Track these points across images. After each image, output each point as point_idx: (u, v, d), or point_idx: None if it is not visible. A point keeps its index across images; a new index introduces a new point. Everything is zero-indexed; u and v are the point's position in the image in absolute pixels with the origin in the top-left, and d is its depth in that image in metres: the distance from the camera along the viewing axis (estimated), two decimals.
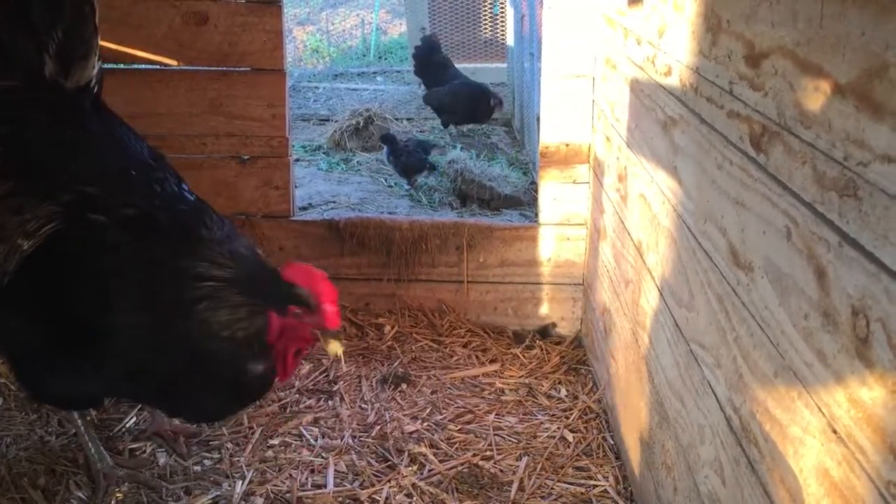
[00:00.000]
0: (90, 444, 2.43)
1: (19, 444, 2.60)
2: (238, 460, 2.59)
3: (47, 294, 2.07)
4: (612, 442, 2.73)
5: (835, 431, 1.18)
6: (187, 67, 3.25)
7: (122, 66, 3.25)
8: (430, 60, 6.35)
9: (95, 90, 2.32)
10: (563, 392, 3.04)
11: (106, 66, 3.20)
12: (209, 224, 2.14)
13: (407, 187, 4.88)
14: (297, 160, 5.38)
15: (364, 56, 9.08)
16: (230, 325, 2.00)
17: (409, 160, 4.92)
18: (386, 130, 5.77)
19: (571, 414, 2.89)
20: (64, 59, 2.21)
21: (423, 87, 6.46)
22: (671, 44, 2.01)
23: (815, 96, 1.24)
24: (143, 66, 3.24)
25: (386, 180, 5.05)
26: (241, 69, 3.24)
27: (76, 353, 2.07)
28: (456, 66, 6.46)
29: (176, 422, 2.69)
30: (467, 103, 5.72)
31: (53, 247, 2.05)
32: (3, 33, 2.14)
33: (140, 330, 2.01)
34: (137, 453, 2.62)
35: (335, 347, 2.04)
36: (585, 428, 2.81)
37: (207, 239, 2.08)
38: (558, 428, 2.80)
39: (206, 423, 2.67)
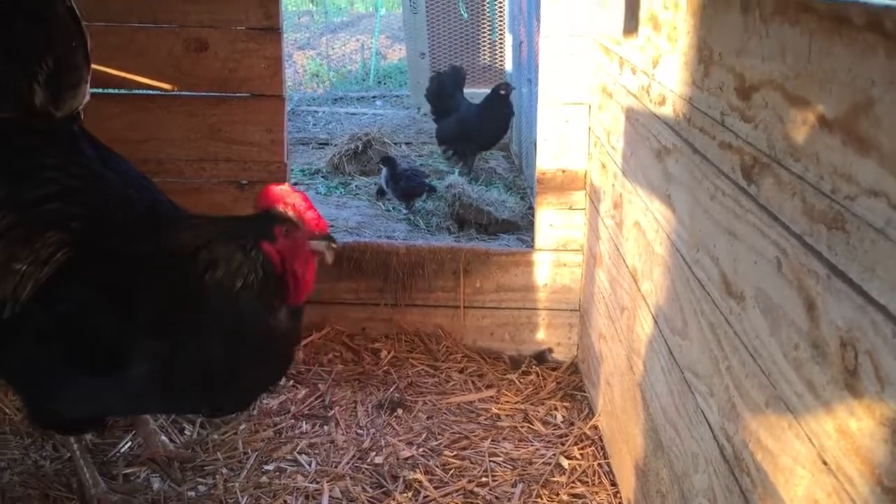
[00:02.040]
0: (85, 469, 2.43)
1: (13, 468, 2.60)
2: (232, 486, 2.58)
3: (64, 318, 2.07)
4: (607, 469, 2.73)
5: (824, 462, 1.19)
6: (187, 93, 3.28)
7: (123, 91, 3.27)
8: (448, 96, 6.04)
9: (81, 116, 2.34)
10: (559, 418, 3.04)
11: (107, 91, 3.26)
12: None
13: (405, 212, 4.90)
14: (296, 184, 5.41)
15: (363, 80, 9.14)
16: (238, 274, 2.02)
17: (409, 184, 4.94)
18: (384, 154, 5.80)
19: (567, 440, 2.88)
20: (54, 88, 2.23)
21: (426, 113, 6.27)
22: (665, 74, 2.04)
23: (804, 129, 1.26)
24: (144, 91, 3.26)
25: (384, 204, 5.07)
26: (241, 95, 3.27)
27: (98, 371, 2.08)
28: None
29: (171, 447, 2.69)
30: (481, 126, 5.61)
31: (68, 272, 2.07)
32: None
33: (166, 330, 2.03)
34: (132, 478, 2.61)
35: (330, 252, 2.09)
36: (581, 454, 2.81)
37: (183, 217, 2.17)
38: (554, 454, 2.80)
39: (246, 406, 2.65)
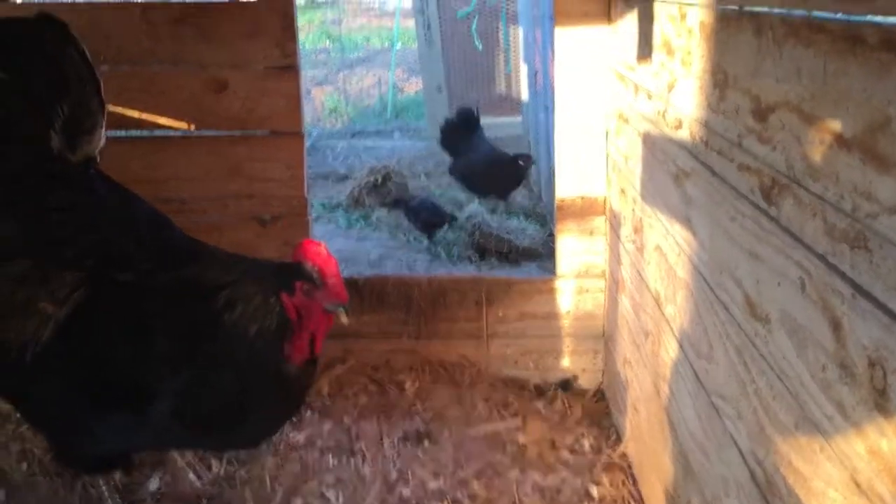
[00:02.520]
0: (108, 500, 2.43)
1: None
2: None
3: (86, 355, 2.10)
4: (637, 495, 2.70)
5: (857, 484, 1.17)
6: (208, 132, 3.33)
7: (144, 132, 3.33)
8: (465, 135, 5.94)
9: (97, 159, 2.38)
10: (587, 446, 3.01)
11: (129, 134, 3.31)
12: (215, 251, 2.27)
13: (426, 243, 4.91)
14: (317, 218, 5.45)
15: (381, 114, 9.22)
16: (255, 317, 2.08)
17: (430, 215, 4.96)
18: (404, 186, 5.83)
19: (595, 468, 2.86)
20: (70, 133, 2.27)
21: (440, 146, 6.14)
22: (680, 98, 2.05)
23: (822, 149, 1.26)
24: (165, 132, 3.32)
25: (405, 235, 5.09)
26: (261, 132, 3.31)
27: (121, 406, 2.11)
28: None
29: (198, 484, 2.69)
30: (495, 171, 5.50)
31: (85, 309, 2.10)
32: (9, 112, 2.20)
33: (183, 363, 2.07)
34: None
35: (344, 317, 2.15)
36: (610, 482, 2.78)
37: (208, 254, 2.21)
38: (582, 482, 2.77)
39: (256, 445, 2.67)
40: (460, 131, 5.92)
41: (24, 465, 2.83)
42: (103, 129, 2.36)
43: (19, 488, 2.72)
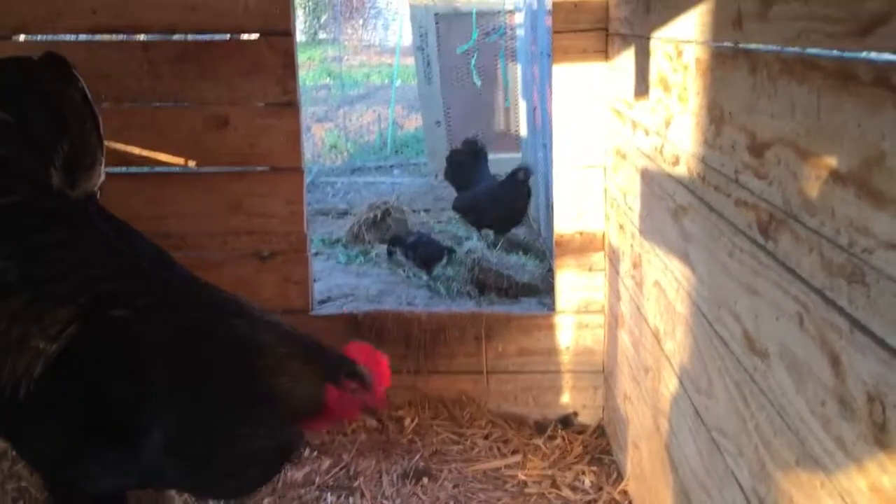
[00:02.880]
0: None
1: None
2: None
3: (76, 391, 2.09)
4: None
5: None
6: (208, 169, 3.34)
7: (145, 169, 3.35)
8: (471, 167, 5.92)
9: (97, 194, 2.39)
10: (588, 483, 2.99)
11: (129, 171, 3.33)
12: (242, 303, 2.26)
13: (425, 278, 4.91)
14: (317, 254, 5.45)
15: (381, 150, 9.29)
16: (293, 393, 2.10)
17: (428, 250, 4.97)
18: (403, 222, 5.85)
19: None
20: (70, 170, 2.28)
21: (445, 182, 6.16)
22: (677, 134, 2.06)
23: (818, 184, 1.26)
24: (166, 168, 3.33)
25: (404, 271, 5.10)
26: (261, 169, 3.33)
27: (112, 443, 2.09)
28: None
29: None
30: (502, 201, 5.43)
31: (76, 346, 2.09)
32: (8, 150, 2.21)
33: (177, 399, 2.06)
34: None
35: (371, 420, 2.14)
36: None
37: (253, 315, 2.20)
38: None
39: (246, 495, 2.68)
40: (466, 162, 5.94)
41: None
42: (102, 166, 2.37)
43: None
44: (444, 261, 4.98)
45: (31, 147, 2.24)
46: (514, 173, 5.41)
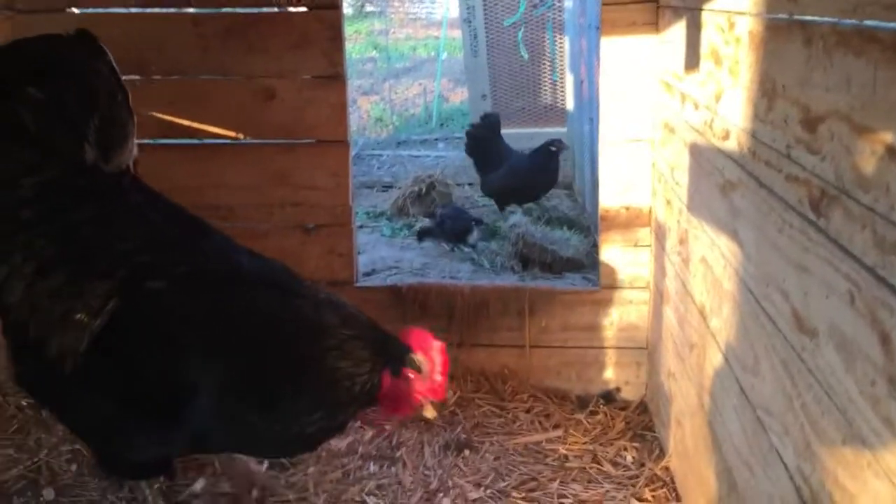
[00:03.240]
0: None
1: None
2: None
3: (119, 364, 2.14)
4: None
5: None
6: (255, 141, 3.38)
7: (194, 140, 3.39)
8: (489, 143, 5.88)
9: (131, 168, 2.41)
10: (629, 459, 2.98)
11: (178, 141, 3.38)
12: (296, 278, 2.30)
13: (467, 250, 4.92)
14: (361, 227, 5.48)
15: (426, 123, 9.26)
16: (353, 377, 2.13)
17: (455, 225, 4.99)
18: (448, 195, 5.84)
19: (638, 482, 2.83)
20: (103, 145, 2.30)
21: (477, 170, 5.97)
22: (728, 108, 2.02)
23: (872, 160, 1.24)
24: (213, 140, 3.37)
25: (448, 245, 5.10)
26: (307, 141, 3.35)
27: (157, 412, 2.14)
28: (517, 131, 6.34)
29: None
30: (531, 178, 5.46)
31: (118, 319, 2.13)
32: (42, 126, 2.23)
33: (222, 355, 2.11)
34: None
35: (431, 412, 2.21)
36: (653, 496, 2.75)
37: (316, 294, 2.23)
38: (625, 496, 2.75)
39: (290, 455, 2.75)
40: (488, 139, 5.89)
41: (74, 466, 2.89)
42: (134, 139, 2.39)
43: (69, 488, 2.78)
44: (474, 232, 5.01)
45: (64, 123, 2.27)
46: (545, 146, 5.42)
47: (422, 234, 5.11)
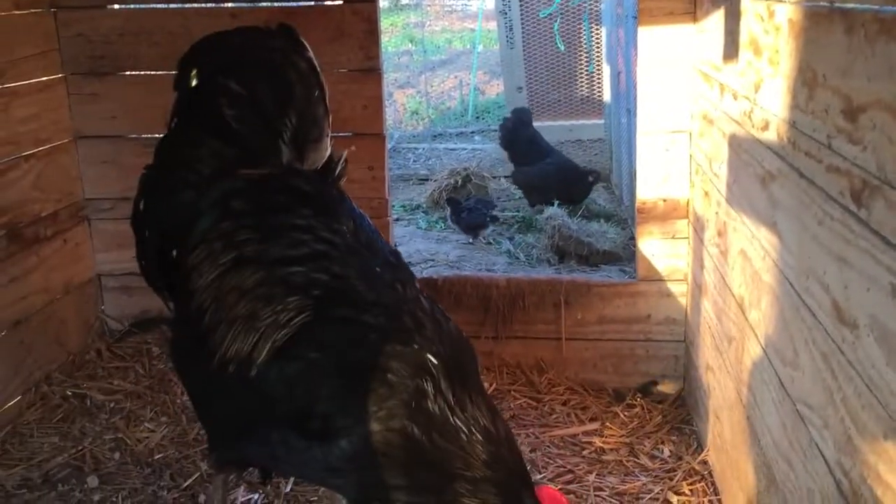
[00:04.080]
0: (220, 492, 2.38)
1: (134, 497, 2.72)
2: None
3: (291, 380, 1.97)
4: None
5: None
6: None
7: None
8: (518, 136, 5.97)
9: (341, 177, 2.30)
10: (667, 452, 2.97)
11: None
12: (475, 374, 2.03)
13: (479, 241, 4.97)
14: (397, 219, 5.51)
15: (462, 116, 9.25)
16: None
17: (470, 217, 5.02)
18: (484, 188, 5.85)
19: (675, 475, 2.81)
20: (298, 143, 2.21)
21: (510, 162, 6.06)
22: (768, 98, 2.00)
23: None
24: None
25: (484, 238, 5.11)
26: (343, 134, 3.37)
27: (310, 436, 1.97)
28: (553, 124, 6.34)
29: None
30: (561, 184, 5.48)
31: (298, 336, 1.98)
32: (240, 125, 2.18)
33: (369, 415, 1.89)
34: None
35: None
36: (691, 490, 2.73)
37: (483, 410, 1.92)
38: (662, 490, 2.73)
39: None
40: (521, 133, 5.91)
41: (117, 455, 2.95)
42: (329, 138, 2.28)
43: (112, 476, 2.84)
44: (488, 229, 5.06)
45: (263, 120, 2.20)
46: (585, 172, 5.50)
47: (450, 202, 5.26)
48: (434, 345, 1.93)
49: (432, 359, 1.89)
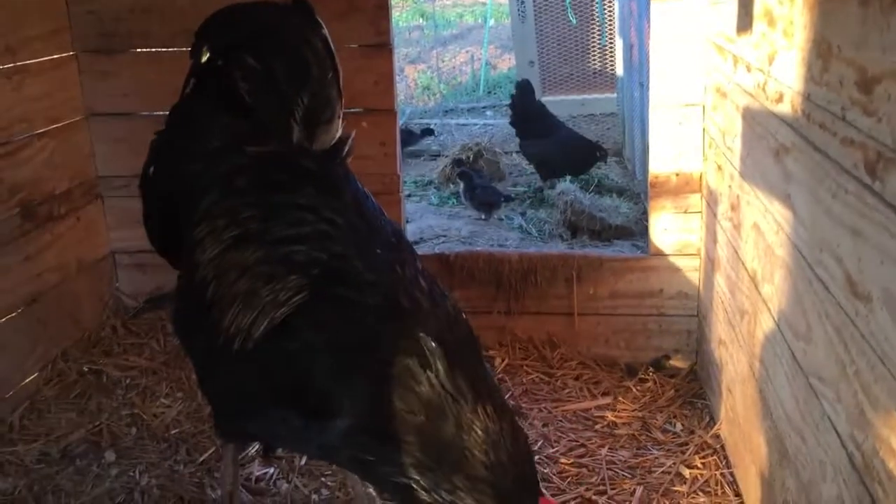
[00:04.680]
0: (230, 466, 2.44)
1: (151, 472, 2.75)
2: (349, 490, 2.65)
3: (289, 358, 1.98)
4: (730, 478, 2.65)
5: None
6: None
7: None
8: (525, 109, 5.90)
9: (348, 156, 2.27)
10: (679, 426, 2.97)
11: None
12: (482, 360, 1.99)
13: (486, 217, 4.96)
14: (409, 195, 5.51)
15: (474, 91, 9.21)
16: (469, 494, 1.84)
17: (485, 194, 5.00)
18: (496, 164, 5.83)
19: (687, 449, 2.82)
20: (309, 123, 2.20)
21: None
22: (782, 70, 1.98)
23: None
24: None
25: (497, 215, 5.10)
26: (355, 110, 3.36)
27: (309, 413, 1.98)
28: (566, 98, 6.30)
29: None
30: (571, 158, 5.46)
31: (297, 315, 1.98)
32: (257, 100, 2.18)
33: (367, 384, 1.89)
34: (261, 482, 2.72)
35: None
36: (703, 464, 2.74)
37: (492, 398, 1.88)
38: (674, 463, 2.74)
39: None
40: (528, 107, 5.87)
41: (134, 430, 2.99)
42: (341, 120, 2.27)
43: (129, 451, 2.87)
44: (501, 207, 5.05)
45: (276, 97, 2.18)
46: (593, 147, 5.44)
47: (461, 177, 5.21)
48: (430, 325, 1.91)
49: (428, 340, 1.86)
